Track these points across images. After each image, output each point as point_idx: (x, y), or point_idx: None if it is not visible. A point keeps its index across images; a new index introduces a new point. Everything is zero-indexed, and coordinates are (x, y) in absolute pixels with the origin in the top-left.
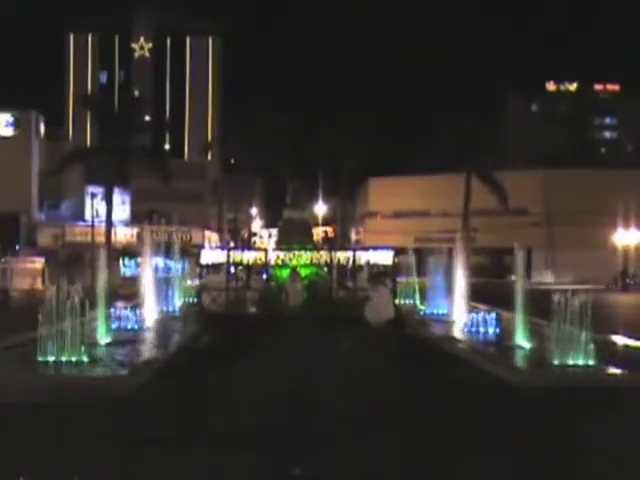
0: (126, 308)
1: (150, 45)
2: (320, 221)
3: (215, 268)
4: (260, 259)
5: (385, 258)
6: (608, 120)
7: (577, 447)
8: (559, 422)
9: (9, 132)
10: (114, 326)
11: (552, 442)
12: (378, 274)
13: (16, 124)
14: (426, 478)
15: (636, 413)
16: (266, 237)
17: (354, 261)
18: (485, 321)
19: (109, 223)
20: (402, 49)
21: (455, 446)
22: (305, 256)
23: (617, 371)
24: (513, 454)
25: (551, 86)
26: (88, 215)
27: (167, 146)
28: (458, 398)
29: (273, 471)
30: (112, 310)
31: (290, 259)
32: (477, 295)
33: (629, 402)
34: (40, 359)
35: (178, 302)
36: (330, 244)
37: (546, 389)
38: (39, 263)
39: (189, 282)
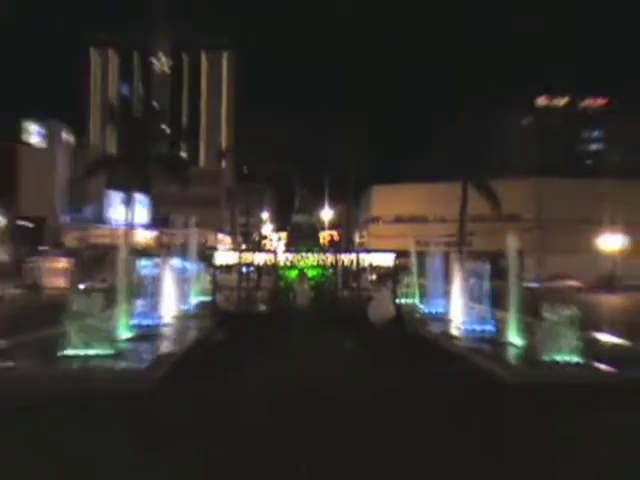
0: (145, 306)
1: (168, 60)
2: (326, 225)
3: (228, 269)
4: (270, 260)
5: (387, 260)
6: (595, 133)
7: (556, 437)
8: (544, 415)
9: (36, 141)
10: (134, 322)
11: (535, 433)
12: (380, 275)
13: (43, 134)
14: (421, 464)
15: (619, 408)
16: (275, 240)
17: (358, 263)
18: (480, 320)
19: (129, 226)
20: (403, 70)
21: (448, 436)
22: (312, 258)
23: (603, 368)
24: (500, 443)
25: (542, 101)
26: (110, 218)
27: (183, 154)
28: (453, 392)
29: (279, 463)
30: (132, 307)
31: (298, 261)
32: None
33: (613, 398)
34: (65, 353)
35: (193, 300)
36: (335, 247)
37: (536, 385)
38: (65, 263)
39: (203, 282)
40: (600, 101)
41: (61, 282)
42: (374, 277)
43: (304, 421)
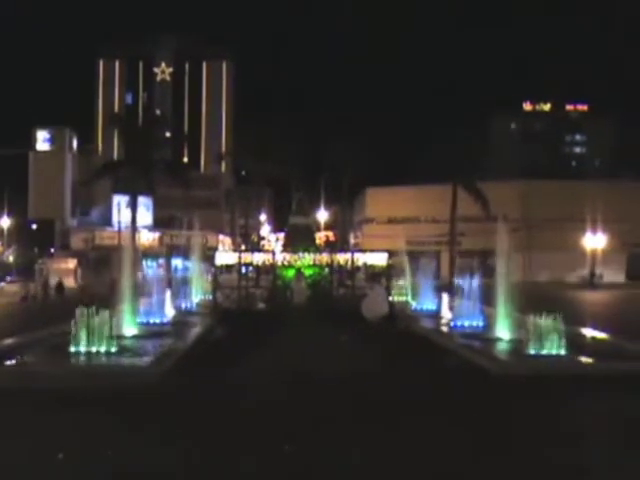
0: (149, 304)
1: (170, 69)
2: (322, 226)
3: (228, 268)
4: (268, 260)
5: (380, 260)
6: (578, 137)
7: (531, 423)
8: (526, 403)
9: (46, 147)
10: (138, 320)
11: (511, 418)
12: (374, 274)
13: (52, 140)
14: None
15: (587, 396)
16: (274, 241)
17: (353, 262)
18: (469, 315)
19: (134, 228)
20: (398, 75)
21: (430, 421)
22: (308, 258)
23: (585, 360)
24: (478, 428)
25: (528, 106)
26: (115, 221)
27: (185, 159)
28: (441, 383)
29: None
30: (136, 305)
31: (295, 260)
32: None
33: (585, 387)
34: (73, 349)
35: (195, 299)
36: (331, 247)
37: (521, 376)
38: (72, 263)
39: (205, 281)
40: (582, 107)
41: (70, 282)
42: (367, 276)
43: (302, 402)
